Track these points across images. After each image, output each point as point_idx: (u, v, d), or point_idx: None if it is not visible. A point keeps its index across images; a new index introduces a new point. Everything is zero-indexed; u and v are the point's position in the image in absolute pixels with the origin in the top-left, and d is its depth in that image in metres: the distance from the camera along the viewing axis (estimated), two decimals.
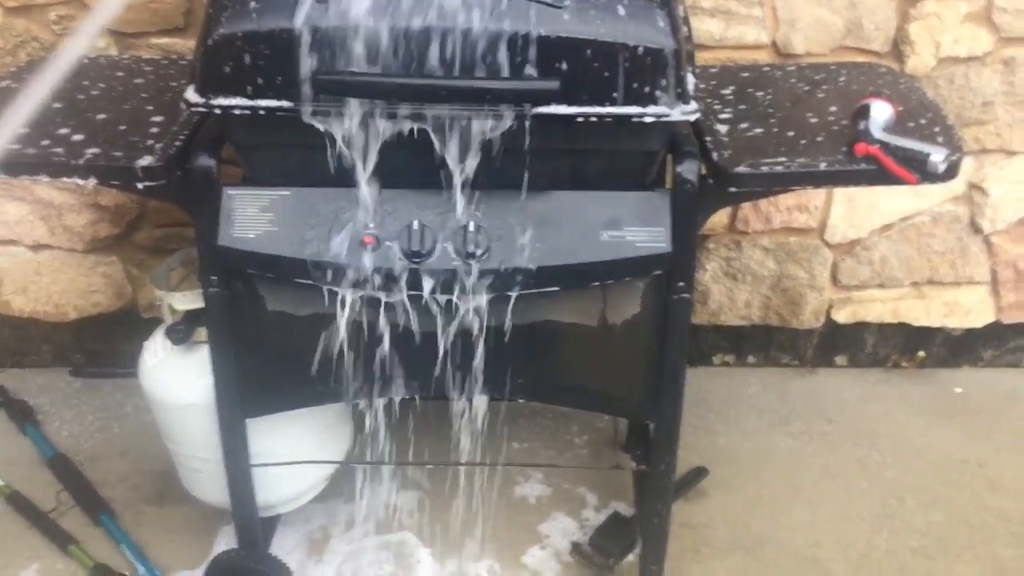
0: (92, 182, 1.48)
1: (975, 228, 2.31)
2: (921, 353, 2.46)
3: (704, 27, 2.06)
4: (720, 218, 2.27)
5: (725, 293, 2.37)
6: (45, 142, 1.50)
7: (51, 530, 1.97)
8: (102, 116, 1.59)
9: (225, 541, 1.94)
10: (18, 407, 2.29)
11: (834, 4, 2.05)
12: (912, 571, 1.94)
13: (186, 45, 2.05)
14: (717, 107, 1.65)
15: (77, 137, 1.51)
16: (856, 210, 2.27)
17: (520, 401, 1.65)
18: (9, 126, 0.93)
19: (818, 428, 2.29)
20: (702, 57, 2.05)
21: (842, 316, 2.41)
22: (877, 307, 2.40)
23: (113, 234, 2.28)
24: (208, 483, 1.79)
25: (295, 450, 1.78)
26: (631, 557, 1.90)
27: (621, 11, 1.35)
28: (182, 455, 1.80)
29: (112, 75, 1.77)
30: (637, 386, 1.63)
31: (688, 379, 1.64)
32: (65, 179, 1.47)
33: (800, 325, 2.41)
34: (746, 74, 1.80)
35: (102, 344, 2.41)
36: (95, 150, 1.48)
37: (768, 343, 2.45)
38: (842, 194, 2.25)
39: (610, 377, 1.64)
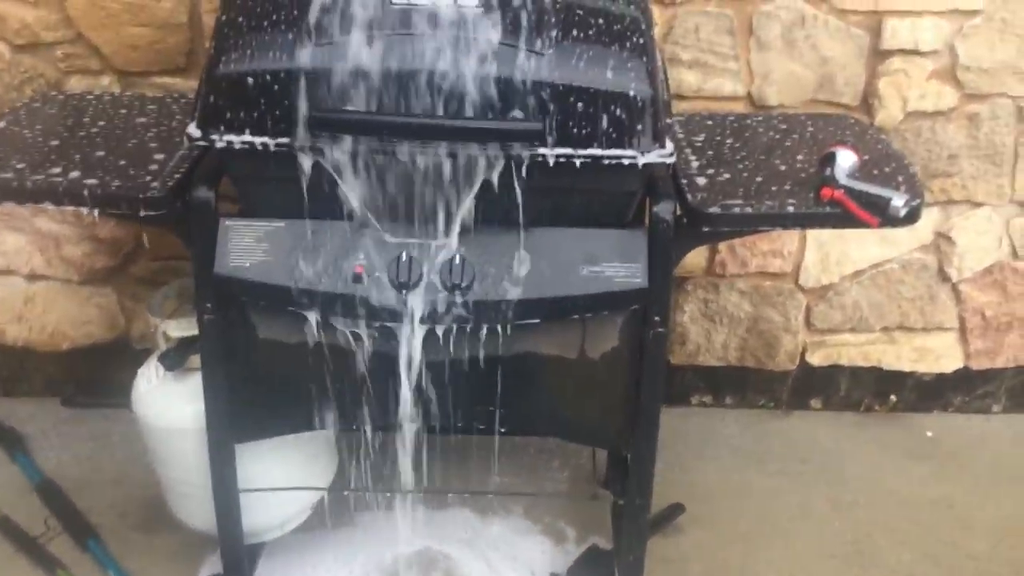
0: (95, 211, 1.54)
1: (943, 276, 2.39)
2: (893, 398, 2.53)
3: (683, 78, 2.16)
4: (698, 261, 2.35)
5: (703, 334, 2.44)
6: (39, 177, 1.56)
7: (39, 555, 2.00)
8: (100, 153, 1.66)
9: (210, 568, 1.96)
10: (8, 434, 2.33)
11: (806, 59, 2.15)
12: None
13: (187, 84, 2.13)
14: (690, 153, 1.73)
15: (74, 174, 1.57)
16: (828, 256, 2.35)
17: (501, 433, 1.70)
18: None
19: (793, 468, 2.35)
20: (680, 107, 2.14)
21: (816, 359, 2.48)
22: (850, 351, 2.47)
23: (109, 266, 2.34)
24: (196, 508, 1.83)
25: (281, 478, 1.83)
26: None
27: (603, 59, 1.44)
28: (172, 480, 1.84)
29: (115, 112, 1.85)
30: (615, 417, 1.69)
31: (665, 419, 1.70)
32: (69, 207, 1.54)
33: (776, 367, 2.48)
34: (718, 123, 1.89)
35: (93, 374, 2.45)
36: (93, 181, 1.55)
37: (744, 384, 2.52)
38: (814, 240, 2.33)
39: (589, 408, 1.70)
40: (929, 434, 2.49)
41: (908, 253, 2.37)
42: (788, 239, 2.32)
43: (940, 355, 2.48)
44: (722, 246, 2.33)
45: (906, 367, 2.49)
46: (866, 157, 1.61)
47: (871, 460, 2.38)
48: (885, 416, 2.54)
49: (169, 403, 1.76)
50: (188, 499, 1.84)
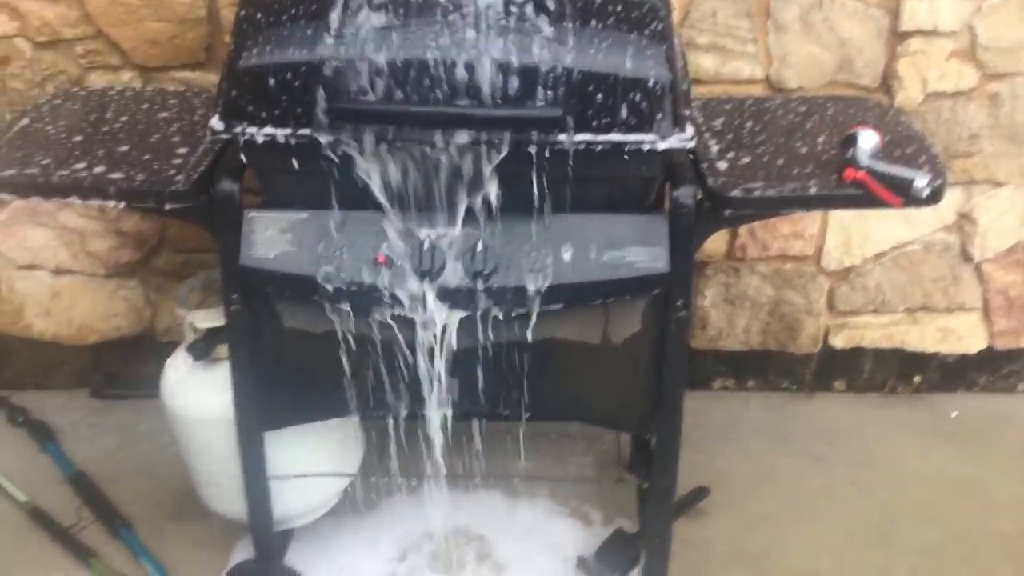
0: (121, 204, 1.56)
1: (966, 256, 2.38)
2: (917, 379, 2.52)
3: (701, 63, 2.15)
4: (718, 245, 2.35)
5: (724, 319, 2.44)
6: (64, 172, 1.58)
7: (72, 544, 2.03)
8: (124, 148, 1.68)
9: (241, 554, 1.99)
10: (38, 427, 2.36)
11: (824, 41, 2.14)
12: None
13: (207, 79, 2.15)
14: (710, 138, 1.73)
15: (99, 169, 1.60)
16: (850, 238, 2.35)
17: (526, 418, 1.71)
18: None
19: (816, 451, 2.35)
20: (698, 91, 2.14)
21: (839, 341, 2.47)
22: (873, 332, 2.47)
23: (134, 259, 2.37)
24: (226, 496, 1.85)
25: (309, 465, 1.85)
26: (635, 572, 1.95)
27: (622, 46, 1.44)
28: (201, 469, 1.87)
29: (137, 107, 1.86)
30: (638, 401, 1.70)
31: (688, 403, 1.70)
32: (95, 201, 1.56)
33: (798, 350, 2.48)
34: (737, 107, 1.89)
35: (121, 366, 2.48)
36: (118, 175, 1.57)
37: (767, 368, 2.52)
38: (836, 222, 2.32)
39: (613, 393, 1.71)
40: (954, 414, 2.48)
41: (930, 234, 2.36)
42: (809, 222, 2.32)
43: (963, 335, 2.47)
44: (742, 230, 2.33)
45: (930, 348, 2.49)
46: (888, 138, 1.61)
47: (895, 441, 2.38)
48: (909, 397, 2.53)
49: (198, 393, 1.79)
50: (218, 487, 1.87)
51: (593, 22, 1.45)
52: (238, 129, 1.48)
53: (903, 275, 2.40)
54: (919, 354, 2.49)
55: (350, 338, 1.61)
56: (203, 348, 1.75)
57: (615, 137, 1.45)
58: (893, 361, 2.50)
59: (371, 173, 1.49)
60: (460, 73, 1.40)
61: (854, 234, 2.34)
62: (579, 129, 1.44)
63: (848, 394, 2.54)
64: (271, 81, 1.44)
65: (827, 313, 2.45)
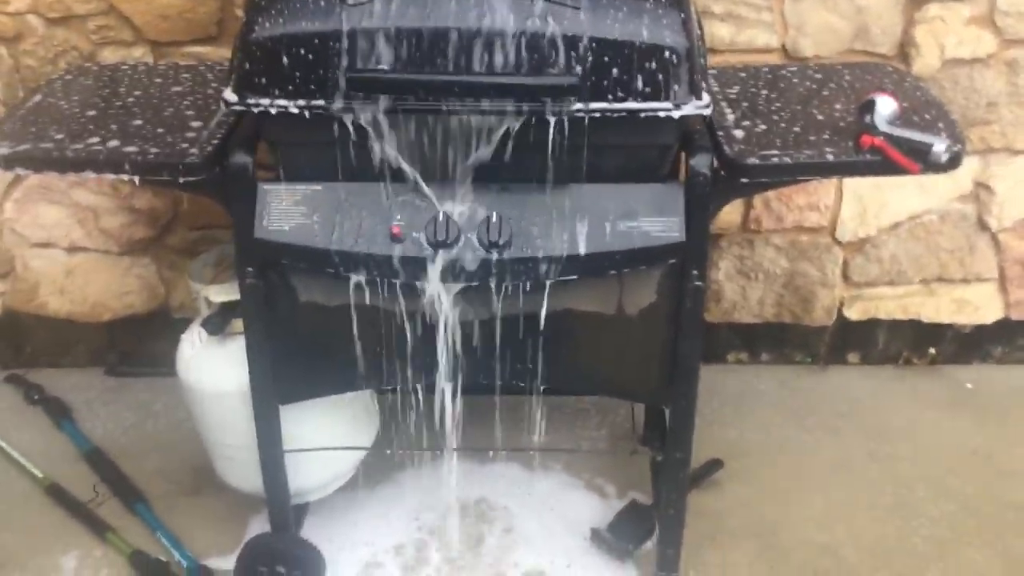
0: (136, 178, 1.56)
1: (982, 226, 2.37)
2: (932, 351, 2.51)
3: (716, 31, 2.13)
4: (733, 217, 2.33)
5: (738, 291, 2.43)
6: (78, 146, 1.58)
7: (89, 519, 2.05)
8: (138, 122, 1.67)
9: (257, 528, 2.00)
10: (55, 404, 2.37)
11: (841, 9, 2.12)
12: (923, 557, 1.99)
13: (218, 53, 2.14)
14: (726, 106, 1.72)
15: (113, 143, 1.59)
16: (865, 209, 2.33)
17: (541, 391, 1.71)
18: None
19: (831, 423, 2.34)
20: (713, 60, 2.11)
21: (854, 313, 2.46)
22: (888, 304, 2.45)
23: (147, 237, 2.37)
24: (242, 470, 1.86)
25: (324, 438, 1.85)
26: (649, 544, 1.96)
27: (638, 12, 1.43)
28: (217, 443, 1.87)
29: (150, 82, 1.86)
30: (654, 372, 1.70)
31: (702, 376, 1.70)
32: (110, 175, 1.56)
33: (812, 322, 2.47)
34: (752, 75, 1.87)
35: (135, 344, 2.49)
36: (133, 149, 1.57)
37: (781, 340, 2.51)
38: (852, 193, 2.31)
39: (628, 363, 1.71)
40: (969, 386, 2.48)
41: (947, 203, 2.34)
42: (824, 193, 2.30)
43: (979, 306, 2.46)
44: (757, 202, 2.31)
45: (945, 319, 2.47)
46: (905, 104, 1.59)
47: (910, 413, 2.37)
48: (924, 369, 2.52)
49: (213, 367, 1.79)
50: (233, 462, 1.88)
51: None
52: (251, 101, 1.47)
53: (919, 245, 2.38)
54: (934, 325, 2.48)
55: (365, 311, 1.60)
56: (218, 323, 1.76)
57: (631, 105, 1.44)
58: (908, 333, 2.49)
59: (385, 144, 1.49)
60: (475, 41, 1.39)
61: (869, 205, 2.32)
62: (595, 97, 1.43)
63: (863, 366, 2.53)
64: (284, 52, 1.43)
65: (842, 285, 2.43)
